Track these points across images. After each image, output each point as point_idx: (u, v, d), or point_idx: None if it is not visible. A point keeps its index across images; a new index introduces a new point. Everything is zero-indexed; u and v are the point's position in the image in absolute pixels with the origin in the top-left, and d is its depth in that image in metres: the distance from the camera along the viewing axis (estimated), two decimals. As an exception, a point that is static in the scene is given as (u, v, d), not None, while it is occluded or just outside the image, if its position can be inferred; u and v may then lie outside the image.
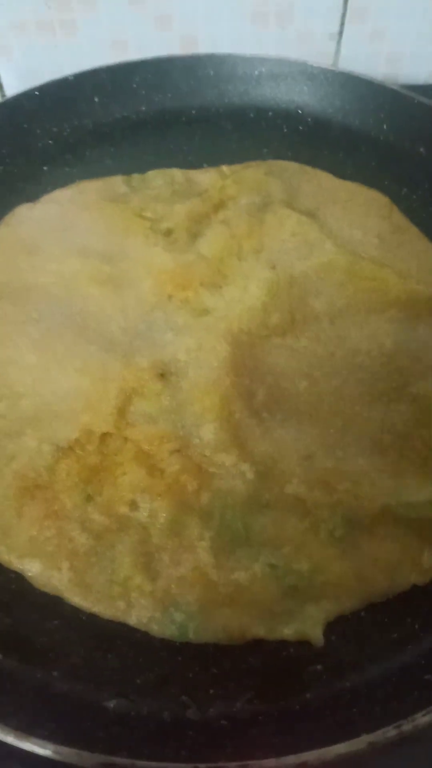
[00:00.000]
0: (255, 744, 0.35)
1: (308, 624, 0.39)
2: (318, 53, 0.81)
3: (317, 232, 0.56)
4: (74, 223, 0.58)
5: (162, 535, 0.42)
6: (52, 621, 0.40)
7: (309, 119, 0.69)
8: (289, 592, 0.40)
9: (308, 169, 0.64)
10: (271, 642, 0.39)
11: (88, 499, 0.43)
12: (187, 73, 0.70)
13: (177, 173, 0.63)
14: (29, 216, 0.60)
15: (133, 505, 0.43)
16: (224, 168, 0.64)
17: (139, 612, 0.40)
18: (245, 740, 0.35)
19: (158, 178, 0.63)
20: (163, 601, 0.40)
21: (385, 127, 0.67)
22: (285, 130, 0.68)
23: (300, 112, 0.69)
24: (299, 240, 0.56)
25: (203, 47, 0.79)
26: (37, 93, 0.66)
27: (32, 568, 0.41)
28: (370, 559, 0.41)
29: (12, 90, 0.79)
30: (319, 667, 0.39)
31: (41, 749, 0.34)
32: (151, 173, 0.64)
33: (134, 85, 0.69)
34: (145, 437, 0.44)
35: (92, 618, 0.40)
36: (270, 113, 0.69)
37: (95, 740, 0.35)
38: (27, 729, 0.34)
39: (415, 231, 0.59)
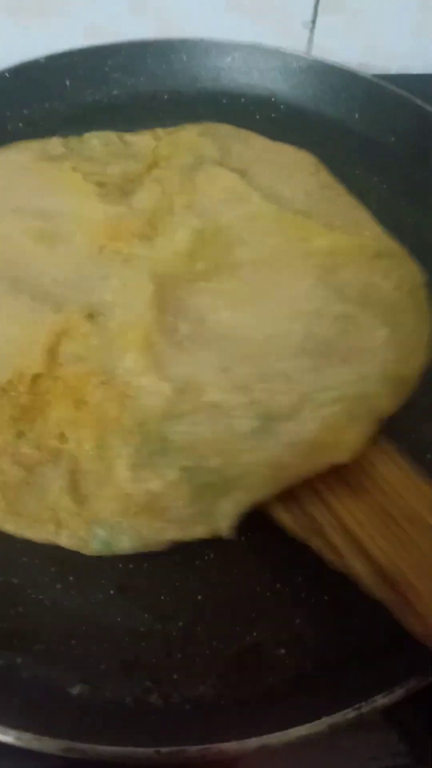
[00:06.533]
0: (216, 727, 0.35)
1: (219, 518, 0.40)
2: (293, 41, 0.80)
3: (245, 186, 0.58)
4: (8, 182, 0.59)
5: (89, 461, 0.43)
6: (16, 607, 0.40)
7: (282, 106, 0.69)
8: (200, 491, 0.41)
9: (241, 130, 0.65)
10: (235, 627, 0.40)
11: (19, 435, 0.44)
12: (160, 58, 0.69)
13: (112, 135, 0.64)
14: None
15: (62, 438, 0.44)
16: (159, 130, 0.64)
17: (68, 532, 0.41)
18: (207, 724, 0.36)
19: (94, 139, 0.63)
20: (87, 520, 0.41)
21: (356, 116, 0.66)
22: (257, 117, 0.68)
23: (273, 99, 0.69)
24: (228, 195, 0.57)
25: (177, 33, 0.78)
26: (7, 75, 0.65)
27: None
28: (287, 446, 0.42)
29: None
30: (282, 650, 0.39)
31: (2, 735, 0.34)
32: (87, 135, 0.64)
33: (107, 69, 0.68)
34: (74, 375, 0.46)
35: (56, 604, 0.40)
36: (243, 99, 0.69)
37: (57, 726, 0.35)
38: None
39: (341, 189, 0.60)
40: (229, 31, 0.77)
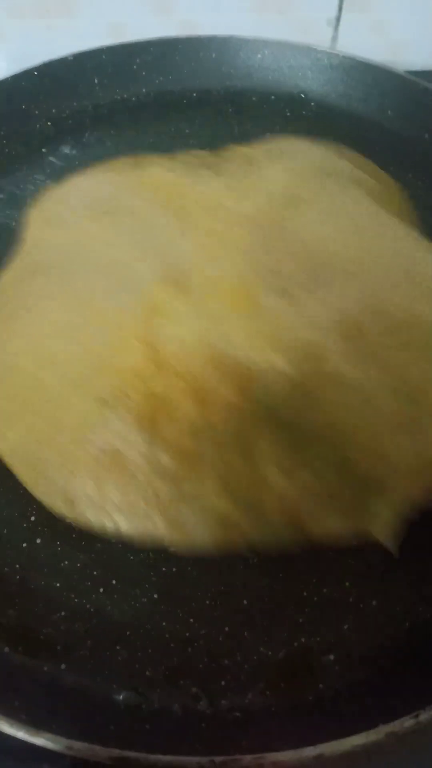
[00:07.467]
0: (270, 736, 0.34)
1: (378, 524, 0.38)
2: (317, 39, 0.80)
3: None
4: (99, 196, 0.57)
5: (229, 454, 0.40)
6: (59, 613, 0.39)
7: (312, 104, 0.68)
8: (351, 488, 0.39)
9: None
10: (282, 633, 0.39)
11: (151, 443, 0.41)
12: (188, 55, 0.68)
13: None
14: (54, 195, 0.58)
15: (194, 436, 0.40)
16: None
17: (238, 534, 0.40)
18: (259, 732, 0.35)
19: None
20: (252, 519, 0.39)
21: (389, 112, 0.66)
22: (288, 115, 0.67)
23: (303, 96, 0.68)
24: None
25: (201, 32, 0.77)
26: (35, 73, 0.64)
27: (128, 529, 0.41)
28: None
29: (4, 75, 0.77)
30: (331, 657, 0.38)
31: (53, 744, 0.33)
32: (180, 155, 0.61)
33: (135, 67, 0.68)
34: (178, 358, 0.42)
35: (99, 609, 0.39)
36: (272, 97, 0.68)
37: (107, 734, 0.34)
38: (38, 724, 0.34)
39: None
40: (253, 29, 0.76)
